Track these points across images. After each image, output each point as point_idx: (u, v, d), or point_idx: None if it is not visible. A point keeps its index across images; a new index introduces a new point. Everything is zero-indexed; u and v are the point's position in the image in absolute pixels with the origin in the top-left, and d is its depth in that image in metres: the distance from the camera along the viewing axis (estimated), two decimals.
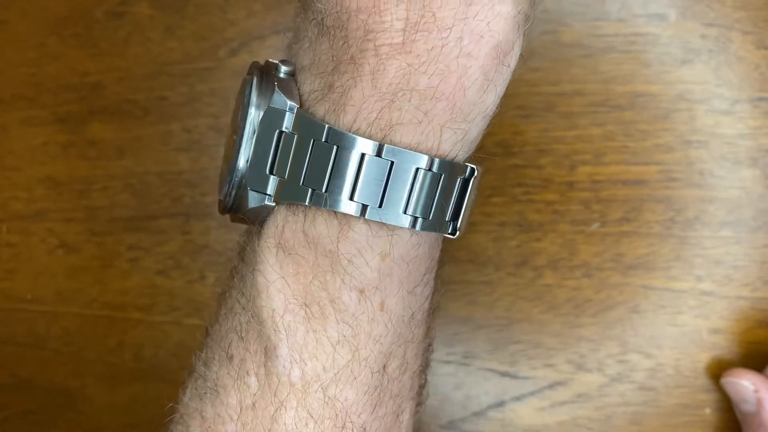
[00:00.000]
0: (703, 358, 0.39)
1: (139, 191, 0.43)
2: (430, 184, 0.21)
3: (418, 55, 0.21)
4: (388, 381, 0.23)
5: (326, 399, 0.22)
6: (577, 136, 0.39)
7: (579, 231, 0.39)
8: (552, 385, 0.39)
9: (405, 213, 0.21)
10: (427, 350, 0.26)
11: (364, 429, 0.23)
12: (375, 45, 0.21)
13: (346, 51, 0.21)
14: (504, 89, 0.22)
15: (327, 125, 0.21)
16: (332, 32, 0.22)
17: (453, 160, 0.22)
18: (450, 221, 0.23)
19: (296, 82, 0.23)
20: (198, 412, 0.23)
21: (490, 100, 0.22)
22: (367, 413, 0.23)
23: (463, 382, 0.40)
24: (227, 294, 0.24)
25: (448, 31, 0.21)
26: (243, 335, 0.22)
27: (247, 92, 0.22)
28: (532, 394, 0.39)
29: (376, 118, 0.21)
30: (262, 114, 0.22)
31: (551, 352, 0.39)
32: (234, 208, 0.23)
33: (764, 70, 0.38)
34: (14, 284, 0.45)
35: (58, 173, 0.44)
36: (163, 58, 0.42)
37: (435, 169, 0.21)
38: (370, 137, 0.21)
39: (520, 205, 0.39)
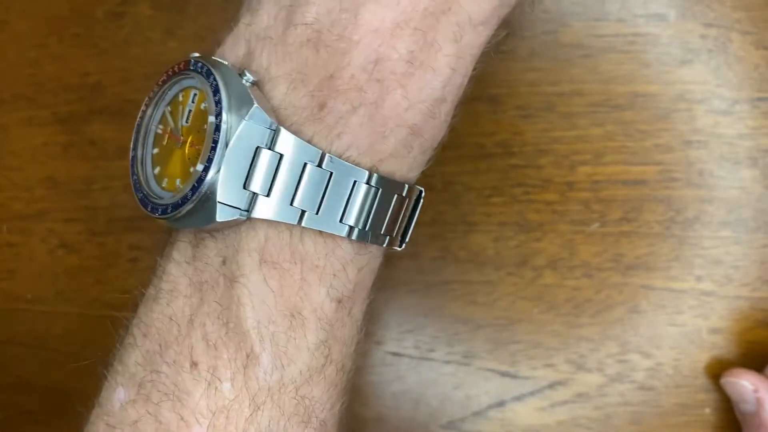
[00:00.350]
0: (703, 357, 0.39)
1: None
2: (403, 207, 0.24)
3: (414, 90, 0.22)
4: (344, 378, 0.25)
5: (298, 397, 0.23)
6: (577, 136, 0.39)
7: (579, 231, 0.39)
8: (552, 385, 0.39)
9: (382, 234, 0.24)
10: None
11: (325, 423, 0.24)
12: (382, 73, 0.22)
13: (345, 70, 0.22)
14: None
15: (323, 152, 0.22)
16: (330, 46, 0.22)
17: (413, 182, 0.24)
18: (401, 237, 0.25)
19: (263, 90, 0.23)
20: (152, 417, 0.23)
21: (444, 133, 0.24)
22: (327, 409, 0.24)
23: (463, 382, 0.40)
24: (168, 297, 0.24)
25: (443, 71, 0.22)
26: (213, 343, 0.23)
27: (216, 98, 0.22)
28: (532, 393, 0.40)
29: (367, 148, 0.23)
30: (239, 127, 0.22)
31: (551, 352, 0.39)
32: (183, 217, 0.23)
33: (764, 71, 0.38)
34: (15, 284, 0.45)
35: (59, 173, 0.44)
36: (164, 58, 0.42)
37: (405, 194, 0.24)
38: (362, 166, 0.22)
39: (520, 205, 0.39)
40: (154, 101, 0.25)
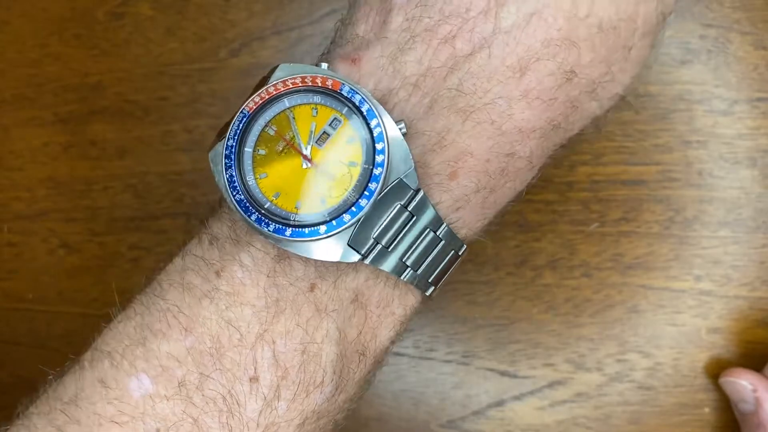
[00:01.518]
0: (702, 357, 0.39)
1: (140, 191, 0.43)
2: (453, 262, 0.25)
3: (519, 184, 0.25)
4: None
5: (334, 422, 0.25)
6: (576, 136, 0.39)
7: (578, 231, 0.39)
8: (551, 385, 0.39)
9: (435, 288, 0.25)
10: None
11: None
12: (509, 165, 0.24)
13: (484, 153, 0.23)
14: None
15: (443, 222, 0.23)
16: (478, 124, 0.23)
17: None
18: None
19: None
20: (190, 419, 0.23)
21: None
22: (338, 428, 0.26)
23: (463, 382, 0.40)
24: (229, 301, 0.23)
25: (535, 172, 0.25)
26: (282, 364, 0.23)
27: (380, 146, 0.22)
28: (531, 393, 0.40)
29: (470, 224, 0.25)
30: (393, 184, 0.22)
31: (550, 352, 0.39)
32: (294, 241, 0.23)
33: (763, 71, 0.38)
34: (15, 284, 0.45)
35: (60, 173, 0.44)
36: (164, 58, 0.42)
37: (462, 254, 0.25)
38: (462, 239, 0.24)
39: (520, 205, 0.40)
40: (273, 98, 0.23)
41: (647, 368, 0.39)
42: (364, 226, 0.22)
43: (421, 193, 0.23)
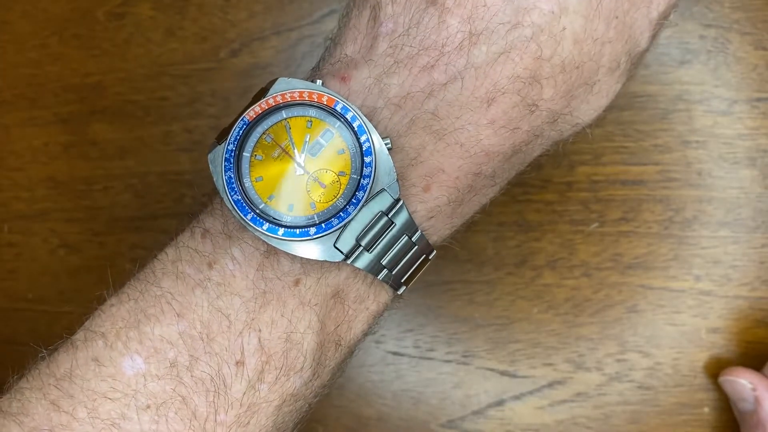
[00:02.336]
0: (702, 357, 0.39)
1: (140, 191, 0.43)
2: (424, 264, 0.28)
3: (486, 198, 0.28)
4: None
5: (307, 405, 0.27)
6: (576, 137, 0.39)
7: (578, 231, 0.39)
8: (551, 384, 0.40)
9: (407, 287, 0.28)
10: None
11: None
12: (475, 183, 0.27)
13: (454, 172, 0.26)
14: None
15: (419, 229, 0.26)
16: (449, 146, 0.26)
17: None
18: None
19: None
20: (178, 397, 0.25)
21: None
22: (310, 411, 0.28)
23: (463, 381, 0.40)
24: (219, 290, 0.25)
25: (498, 189, 0.28)
26: (266, 350, 0.25)
27: (368, 159, 0.25)
28: (531, 393, 0.40)
29: (438, 231, 0.27)
30: (378, 194, 0.25)
31: (550, 352, 0.39)
32: (285, 240, 0.25)
33: (762, 71, 0.38)
34: (16, 284, 0.45)
35: (60, 173, 0.44)
36: (164, 58, 0.42)
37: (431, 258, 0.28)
38: (432, 244, 0.27)
39: (520, 205, 0.40)
40: (272, 109, 0.25)
41: (647, 368, 0.39)
42: (349, 229, 0.25)
43: (401, 203, 0.25)
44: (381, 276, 0.26)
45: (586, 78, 0.26)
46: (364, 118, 0.25)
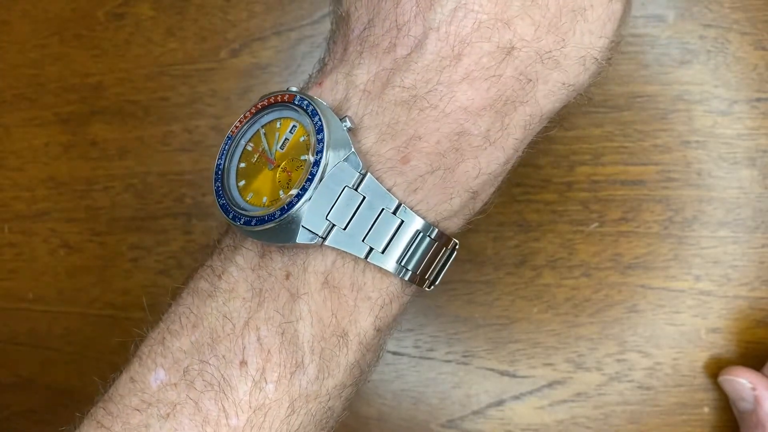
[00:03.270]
0: (702, 357, 0.39)
1: (140, 191, 0.43)
2: (445, 257, 0.27)
3: (484, 163, 0.26)
4: (354, 394, 0.28)
5: (326, 408, 0.27)
6: (576, 137, 0.39)
7: (578, 231, 0.39)
8: (551, 384, 0.40)
9: (426, 277, 0.27)
10: None
11: (332, 429, 0.28)
12: (461, 144, 0.25)
13: (432, 136, 0.25)
14: None
15: (399, 202, 0.25)
16: (422, 111, 0.25)
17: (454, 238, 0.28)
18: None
19: (355, 136, 0.26)
20: (193, 403, 0.25)
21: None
22: (338, 420, 0.28)
23: (463, 381, 0.40)
24: (226, 296, 0.26)
25: (509, 151, 0.26)
26: (266, 347, 0.25)
27: (319, 137, 0.25)
28: (531, 392, 0.40)
29: (435, 206, 0.26)
30: (335, 167, 0.25)
31: (550, 351, 0.40)
32: (263, 231, 0.26)
33: (762, 71, 0.38)
34: (16, 284, 0.45)
35: (60, 173, 0.44)
36: (165, 59, 0.43)
37: (450, 246, 0.27)
38: (428, 220, 0.26)
39: (519, 205, 0.40)
40: (250, 121, 0.27)
41: (647, 368, 0.39)
42: (314, 207, 0.25)
43: (368, 176, 0.25)
44: (372, 258, 0.25)
45: (571, 5, 0.25)
46: (317, 101, 0.25)
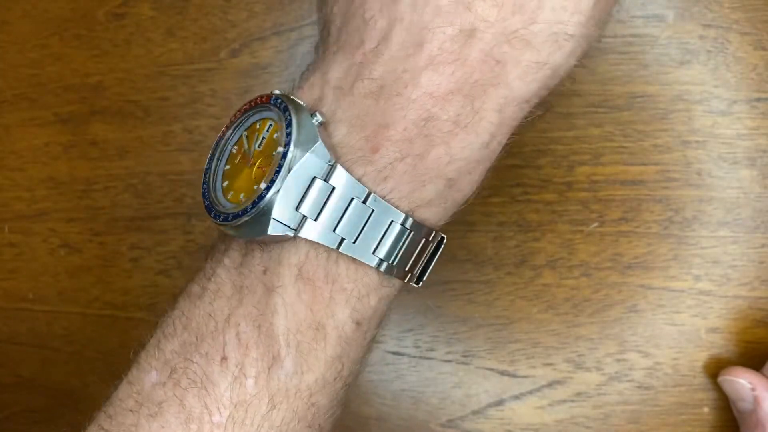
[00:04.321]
0: (701, 357, 0.39)
1: (140, 191, 0.43)
2: (427, 250, 0.27)
3: (457, 149, 0.26)
4: (346, 392, 0.28)
5: (309, 404, 0.26)
6: (576, 137, 0.39)
7: (577, 231, 0.39)
8: (551, 384, 0.40)
9: (406, 270, 0.27)
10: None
11: (322, 429, 0.28)
12: (430, 130, 0.25)
13: (400, 123, 0.25)
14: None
15: (370, 191, 0.25)
16: (389, 99, 0.26)
17: (438, 230, 0.27)
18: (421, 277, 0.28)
19: (327, 130, 0.26)
20: (177, 400, 0.26)
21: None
22: (327, 417, 0.28)
23: (463, 381, 0.40)
24: (213, 297, 0.27)
25: (483, 136, 0.26)
26: (245, 342, 0.26)
27: (288, 131, 0.25)
28: (531, 392, 0.40)
29: (408, 194, 0.26)
30: (302, 158, 0.25)
31: (550, 351, 0.40)
32: (240, 225, 0.26)
33: (762, 71, 0.38)
34: (16, 284, 0.45)
35: (60, 173, 0.44)
36: (165, 59, 0.43)
37: (431, 239, 0.27)
38: (400, 209, 0.26)
39: (519, 205, 0.40)
40: (235, 124, 0.28)
41: (646, 368, 0.39)
42: (283, 199, 0.25)
43: (337, 166, 0.25)
44: (343, 248, 0.25)
45: None
46: (291, 98, 0.26)
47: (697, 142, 0.38)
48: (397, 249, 0.26)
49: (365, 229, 0.25)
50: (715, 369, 0.38)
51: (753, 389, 0.35)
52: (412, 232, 0.26)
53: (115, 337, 0.44)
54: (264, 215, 0.25)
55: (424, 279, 0.28)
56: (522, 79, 0.26)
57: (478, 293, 0.40)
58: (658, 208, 0.39)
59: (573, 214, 0.39)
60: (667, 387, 0.39)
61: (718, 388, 0.38)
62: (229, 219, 0.26)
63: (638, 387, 0.39)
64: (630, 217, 0.39)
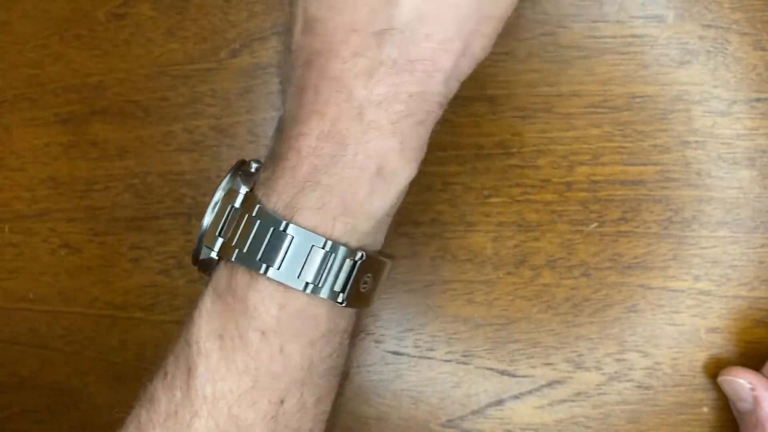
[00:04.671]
0: (701, 357, 0.39)
1: (140, 191, 0.43)
2: (322, 259, 0.27)
3: (325, 159, 0.27)
4: (284, 414, 0.28)
5: (230, 415, 0.27)
6: (575, 137, 0.39)
7: (577, 231, 0.39)
8: (550, 384, 0.40)
9: (298, 278, 0.27)
10: (334, 402, 0.31)
11: None
12: (298, 146, 0.27)
13: (280, 147, 0.28)
14: (393, 200, 0.28)
15: (258, 205, 0.28)
16: (279, 132, 0.29)
17: (344, 245, 0.28)
18: (341, 292, 0.28)
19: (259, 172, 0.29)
20: (137, 417, 0.29)
21: (376, 205, 0.28)
22: (263, 426, 0.28)
23: (462, 381, 0.40)
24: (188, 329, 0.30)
25: (347, 146, 0.27)
26: (177, 356, 0.28)
27: (223, 179, 0.30)
28: (530, 392, 0.40)
29: (288, 202, 0.27)
30: (223, 193, 0.29)
31: (549, 351, 0.40)
32: (196, 259, 0.30)
33: (762, 71, 0.38)
34: (16, 284, 0.45)
35: (60, 174, 0.44)
36: (165, 59, 0.43)
37: (326, 248, 0.27)
38: (282, 217, 0.27)
39: (519, 205, 0.40)
40: (221, 186, 0.31)
41: (646, 368, 0.39)
42: (212, 227, 0.29)
43: (244, 191, 0.29)
44: (233, 257, 0.28)
45: None
46: (238, 161, 0.30)
47: (696, 142, 0.38)
48: (283, 256, 0.27)
49: (253, 239, 0.27)
50: (714, 369, 0.38)
51: (753, 389, 0.36)
52: (294, 238, 0.27)
53: (115, 337, 0.44)
54: (200, 242, 0.29)
55: (360, 301, 0.29)
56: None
57: (478, 293, 0.40)
58: (658, 208, 0.39)
59: (572, 214, 0.39)
60: (666, 387, 0.39)
61: (718, 388, 0.38)
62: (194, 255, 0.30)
63: (638, 387, 0.39)
64: (629, 217, 0.39)
